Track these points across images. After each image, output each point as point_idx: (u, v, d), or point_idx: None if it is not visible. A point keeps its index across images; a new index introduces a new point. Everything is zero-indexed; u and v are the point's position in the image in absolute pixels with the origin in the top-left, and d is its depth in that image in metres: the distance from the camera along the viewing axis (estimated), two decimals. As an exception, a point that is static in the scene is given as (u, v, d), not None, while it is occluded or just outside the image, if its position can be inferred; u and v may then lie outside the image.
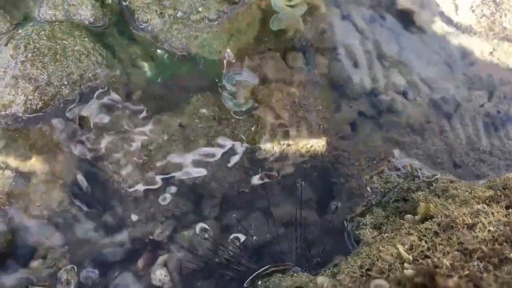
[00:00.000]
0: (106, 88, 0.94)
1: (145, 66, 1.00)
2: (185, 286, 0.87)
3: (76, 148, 0.92)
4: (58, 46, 0.91)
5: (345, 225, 0.88)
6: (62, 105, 0.91)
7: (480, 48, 1.16)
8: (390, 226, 0.76)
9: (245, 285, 0.84)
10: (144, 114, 0.97)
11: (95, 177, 0.93)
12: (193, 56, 1.00)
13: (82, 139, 0.92)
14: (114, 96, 0.94)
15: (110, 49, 0.98)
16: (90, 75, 0.92)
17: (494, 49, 1.16)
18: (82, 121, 0.92)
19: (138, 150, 0.93)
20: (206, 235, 0.89)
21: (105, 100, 0.94)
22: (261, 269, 0.83)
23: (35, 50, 0.90)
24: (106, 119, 0.93)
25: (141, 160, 0.92)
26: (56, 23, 0.95)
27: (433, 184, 0.83)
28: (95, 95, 0.93)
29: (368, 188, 0.92)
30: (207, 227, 0.90)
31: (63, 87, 0.90)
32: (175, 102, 0.99)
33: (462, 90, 1.11)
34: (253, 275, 0.83)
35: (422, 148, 1.03)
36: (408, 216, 0.72)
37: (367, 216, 0.84)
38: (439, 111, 1.09)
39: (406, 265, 0.53)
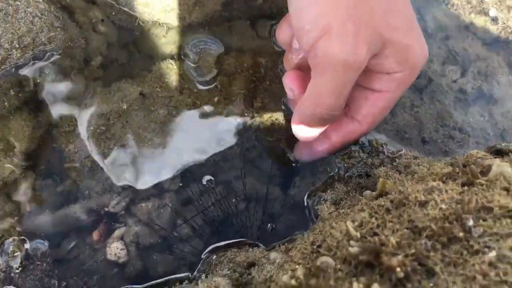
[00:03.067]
0: (61, 53, 0.89)
1: (106, 31, 0.95)
2: (142, 260, 0.84)
3: (30, 115, 0.88)
4: (10, 7, 0.86)
5: (306, 200, 0.86)
6: (13, 69, 0.86)
7: (456, 22, 1.13)
8: (349, 202, 0.74)
9: (202, 256, 0.82)
10: (103, 81, 0.93)
11: (51, 146, 0.89)
12: (156, 21, 0.95)
13: (36, 106, 0.88)
14: (71, 61, 0.90)
15: (68, 11, 0.93)
16: (43, 38, 0.87)
17: (471, 23, 1.13)
18: (36, 87, 0.88)
19: (96, 119, 0.89)
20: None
21: (61, 65, 0.89)
22: (219, 243, 0.81)
23: (-15, 10, 0.85)
24: (61, 85, 0.89)
25: (98, 130, 0.89)
26: (9, -18, 0.89)
27: (397, 160, 0.81)
28: (49, 60, 0.88)
29: (333, 163, 0.89)
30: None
31: (14, 50, 0.85)
32: (136, 69, 0.95)
33: (436, 65, 1.08)
34: (210, 248, 0.81)
35: (391, 124, 1.00)
36: (367, 192, 0.69)
37: (329, 191, 0.82)
38: (411, 85, 1.06)
39: (352, 242, 0.51)
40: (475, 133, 1.01)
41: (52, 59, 0.89)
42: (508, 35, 1.12)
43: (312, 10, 0.62)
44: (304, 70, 0.77)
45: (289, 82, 0.75)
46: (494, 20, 1.12)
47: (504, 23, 1.12)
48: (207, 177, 0.90)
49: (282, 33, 0.80)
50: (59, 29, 0.88)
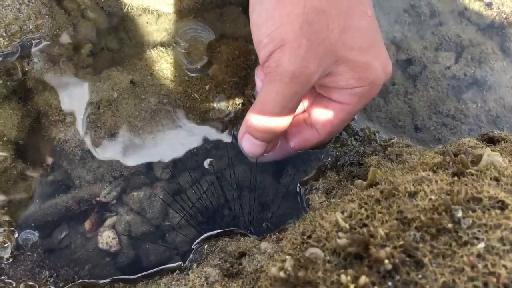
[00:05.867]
0: (49, 40, 0.88)
1: (95, 17, 0.94)
2: (134, 249, 0.84)
3: (19, 104, 0.87)
4: (-4, -6, 0.84)
5: (299, 188, 0.86)
6: (1, 58, 0.85)
7: (450, 7, 1.12)
8: (341, 191, 0.74)
9: (193, 246, 0.82)
10: (93, 69, 0.92)
11: (41, 135, 0.88)
12: (146, 8, 0.94)
13: (25, 94, 0.87)
14: (59, 49, 0.89)
15: (55, -2, 0.92)
16: (31, 26, 0.85)
17: (465, 8, 1.12)
18: (25, 76, 0.87)
19: (86, 108, 0.88)
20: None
21: (49, 53, 0.88)
22: (210, 233, 0.81)
23: (-30, -3, 0.83)
24: (50, 73, 0.87)
25: (88, 118, 0.88)
26: (-5, -31, 0.87)
27: (388, 148, 0.81)
28: (37, 48, 0.87)
29: (325, 151, 0.89)
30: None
31: (1, 38, 0.83)
32: (127, 57, 0.94)
33: (429, 51, 1.07)
34: (201, 237, 0.81)
35: (384, 111, 1.00)
36: (358, 181, 0.69)
37: (320, 180, 0.82)
38: (405, 73, 1.06)
39: (340, 234, 0.51)
40: (468, 120, 1.00)
41: (40, 47, 0.87)
42: (502, 20, 1.11)
43: (269, 26, 0.65)
44: None
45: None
46: (489, 5, 1.11)
47: (499, 8, 1.11)
48: (198, 166, 0.89)
49: None
50: (46, 16, 0.87)
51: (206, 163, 0.89)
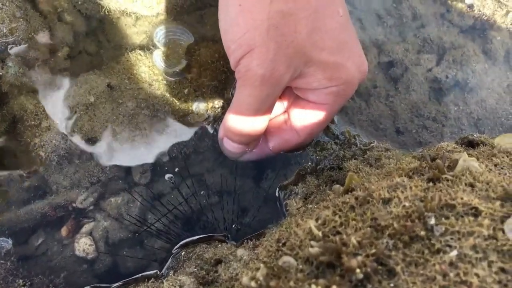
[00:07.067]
0: (24, 44, 0.86)
1: (72, 20, 0.92)
2: (111, 256, 0.83)
3: (-7, 109, 0.85)
4: (-31, -3, 0.83)
5: (278, 193, 0.85)
6: (-26, 62, 0.84)
7: (432, 9, 1.12)
8: (319, 196, 0.73)
9: (173, 251, 0.81)
10: (69, 72, 0.90)
11: (16, 140, 0.87)
12: (124, 11, 0.92)
13: (0, 99, 0.85)
14: (35, 52, 0.87)
15: (31, 1, 0.89)
16: (5, 30, 0.83)
17: (447, 11, 1.12)
18: (-1, 80, 0.85)
19: (62, 112, 0.87)
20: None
21: (25, 57, 0.86)
22: (189, 239, 0.80)
23: None
24: (25, 78, 0.86)
25: (65, 123, 0.86)
26: (-32, -30, 0.85)
27: (368, 152, 0.80)
28: (12, 52, 0.85)
29: (305, 155, 0.88)
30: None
31: (-27, 42, 0.82)
32: (105, 60, 0.93)
33: (411, 54, 1.07)
34: (181, 243, 0.80)
35: (366, 114, 0.99)
36: (336, 186, 0.68)
37: (300, 184, 0.81)
38: (387, 75, 1.05)
39: (313, 242, 0.50)
40: (449, 122, 1.00)
41: (15, 51, 0.86)
42: (483, 22, 1.11)
43: (235, 32, 0.66)
44: None
45: None
46: (470, 7, 1.11)
47: (480, 11, 1.11)
48: (178, 170, 0.88)
49: None
50: (21, 19, 0.85)
51: (166, 177, 0.88)
